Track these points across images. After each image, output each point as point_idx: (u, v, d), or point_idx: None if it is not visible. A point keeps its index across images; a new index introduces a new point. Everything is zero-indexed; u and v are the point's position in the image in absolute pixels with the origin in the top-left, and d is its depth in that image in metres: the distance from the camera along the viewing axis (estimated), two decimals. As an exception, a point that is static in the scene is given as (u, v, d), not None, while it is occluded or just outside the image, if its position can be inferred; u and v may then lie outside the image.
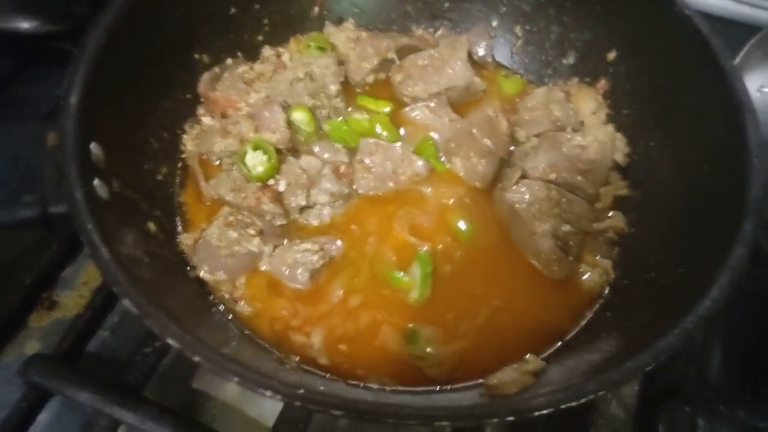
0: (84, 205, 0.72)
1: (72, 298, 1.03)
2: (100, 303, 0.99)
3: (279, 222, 0.92)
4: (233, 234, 0.87)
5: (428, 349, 0.85)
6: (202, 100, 1.02)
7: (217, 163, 0.98)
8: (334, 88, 1.02)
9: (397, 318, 0.88)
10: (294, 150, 0.99)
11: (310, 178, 0.93)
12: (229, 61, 1.04)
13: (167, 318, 0.66)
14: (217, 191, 0.93)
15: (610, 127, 1.01)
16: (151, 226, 0.87)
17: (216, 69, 1.02)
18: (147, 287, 0.71)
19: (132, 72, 0.90)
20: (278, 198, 0.92)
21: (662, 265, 0.85)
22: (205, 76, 1.01)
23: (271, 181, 0.93)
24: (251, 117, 0.97)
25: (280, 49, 1.08)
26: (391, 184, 0.98)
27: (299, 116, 0.99)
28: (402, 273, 0.91)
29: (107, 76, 0.84)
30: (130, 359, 0.91)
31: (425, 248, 0.92)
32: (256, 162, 0.93)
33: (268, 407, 0.93)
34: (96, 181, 0.78)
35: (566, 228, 0.92)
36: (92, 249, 0.70)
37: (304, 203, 0.92)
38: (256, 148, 0.93)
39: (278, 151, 0.96)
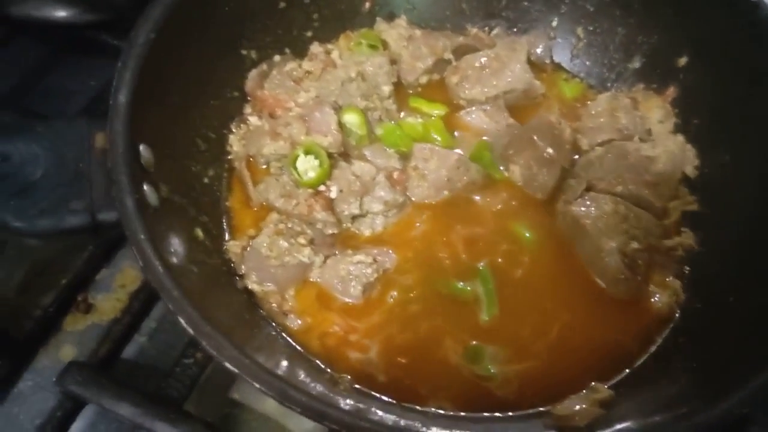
0: (135, 213, 0.67)
1: (109, 301, 0.99)
2: (138, 308, 0.95)
3: (330, 231, 0.87)
4: (284, 243, 0.82)
5: (492, 369, 0.80)
6: (249, 98, 0.97)
7: (265, 166, 0.93)
8: (386, 89, 0.97)
9: (461, 331, 0.83)
10: (345, 154, 0.93)
11: (364, 185, 0.88)
12: (277, 57, 0.99)
13: (224, 339, 0.62)
14: (266, 197, 0.88)
15: (680, 137, 0.95)
16: (199, 232, 0.83)
17: (264, 66, 0.97)
18: (198, 301, 0.67)
19: (180, 69, 0.86)
20: (330, 205, 0.87)
21: (740, 290, 0.80)
22: (253, 74, 0.96)
23: (322, 188, 0.89)
24: (302, 118, 0.92)
25: (329, 46, 1.03)
26: (446, 193, 0.93)
27: (351, 119, 0.94)
28: (462, 283, 0.86)
29: (155, 73, 0.79)
30: (171, 370, 0.88)
31: (484, 263, 0.87)
32: (308, 167, 0.88)
33: (309, 421, 0.89)
34: (146, 187, 0.73)
35: (634, 245, 0.86)
36: (145, 261, 0.65)
37: (357, 212, 0.87)
38: (307, 152, 0.88)
39: (329, 156, 0.91)
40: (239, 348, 0.62)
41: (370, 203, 0.89)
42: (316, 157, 0.89)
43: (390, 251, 0.88)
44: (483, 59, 1.01)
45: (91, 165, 0.70)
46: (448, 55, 1.02)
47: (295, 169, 0.88)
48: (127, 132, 0.72)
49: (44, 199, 0.67)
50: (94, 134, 0.73)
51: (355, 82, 0.95)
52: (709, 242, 0.90)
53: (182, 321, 0.62)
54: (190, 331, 0.62)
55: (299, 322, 0.83)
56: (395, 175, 0.92)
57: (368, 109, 0.96)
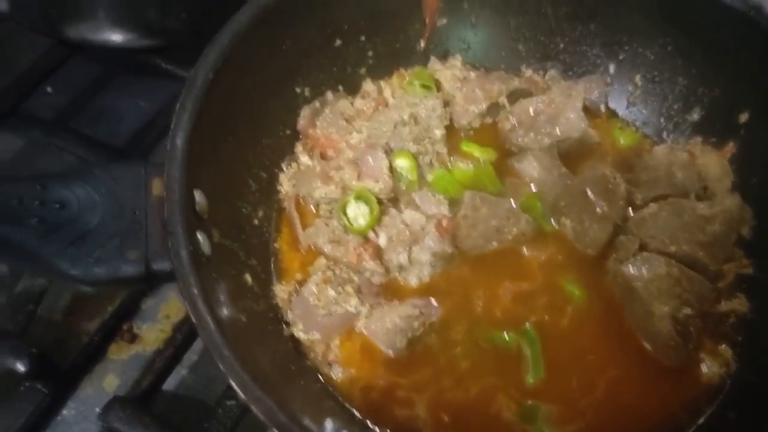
0: (190, 266, 0.67)
1: (153, 331, 1.00)
2: (181, 339, 0.95)
3: (378, 280, 0.86)
4: (331, 292, 0.82)
5: (545, 430, 0.79)
6: (300, 137, 0.96)
7: (314, 208, 0.93)
8: (438, 132, 0.96)
9: (511, 388, 0.82)
10: (394, 199, 0.93)
11: (413, 234, 0.87)
12: (329, 95, 0.98)
13: (275, 403, 0.62)
14: (315, 241, 0.88)
15: (737, 197, 0.93)
16: (248, 278, 0.83)
17: (316, 104, 0.97)
18: (246, 353, 0.67)
19: (235, 108, 0.86)
20: (379, 254, 0.87)
21: (798, 366, 0.77)
22: (305, 111, 0.96)
23: (371, 235, 0.88)
24: (354, 162, 0.91)
25: (382, 83, 1.02)
26: (495, 243, 0.91)
27: (403, 163, 0.93)
28: (508, 338, 0.86)
29: (212, 114, 0.79)
30: (213, 410, 0.88)
31: (530, 322, 0.86)
32: (358, 214, 0.88)
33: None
34: (199, 235, 0.73)
35: (686, 311, 0.84)
36: (197, 317, 0.65)
37: (405, 262, 0.87)
38: (358, 198, 0.88)
39: (379, 201, 0.90)
40: (289, 414, 0.61)
41: (419, 253, 0.88)
42: (366, 204, 0.88)
43: (435, 303, 0.87)
44: (538, 105, 0.99)
45: (147, 212, 0.70)
46: (503, 100, 1.00)
47: (345, 215, 0.88)
48: (184, 178, 0.72)
49: (100, 247, 0.68)
50: (151, 180, 0.73)
51: (408, 126, 0.94)
52: (764, 310, 0.87)
53: (234, 384, 0.62)
54: (241, 394, 0.62)
55: (342, 373, 0.82)
56: (444, 223, 0.91)
57: (419, 153, 0.95)
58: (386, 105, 0.99)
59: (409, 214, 0.89)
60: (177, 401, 0.95)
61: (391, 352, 0.84)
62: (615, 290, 0.89)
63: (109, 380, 0.95)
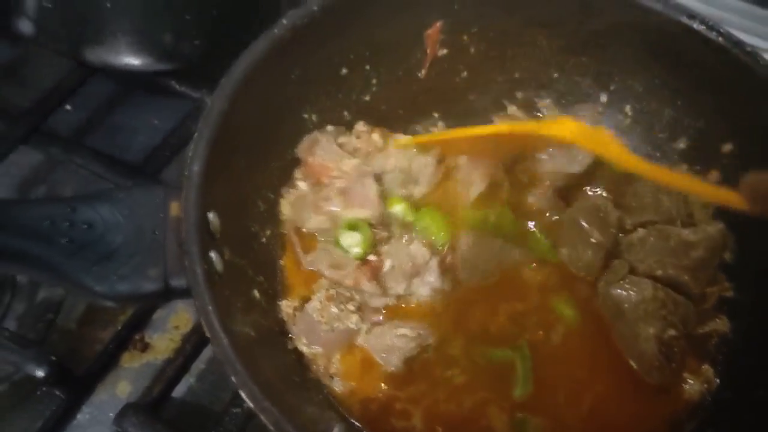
0: (204, 284, 0.73)
1: (163, 341, 1.05)
2: (190, 349, 1.00)
3: (375, 303, 0.92)
4: (334, 310, 0.87)
5: None
6: (300, 163, 1.02)
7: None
8: (424, 189, 1.02)
9: (503, 400, 0.88)
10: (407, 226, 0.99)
11: (416, 266, 0.92)
12: (330, 128, 1.04)
13: (282, 415, 0.67)
14: (317, 267, 0.93)
15: (721, 224, 0.98)
16: (256, 293, 0.88)
17: (317, 134, 1.02)
18: (255, 366, 0.73)
19: (247, 134, 0.91)
20: (377, 276, 0.92)
21: (771, 385, 0.83)
22: (306, 140, 1.02)
23: (373, 257, 0.93)
24: (343, 193, 0.97)
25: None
26: (495, 276, 0.97)
27: (398, 209, 0.99)
28: (502, 353, 0.91)
29: (226, 141, 0.84)
30: (220, 417, 0.93)
31: (525, 339, 0.91)
32: (352, 243, 0.93)
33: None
34: (212, 254, 0.78)
35: (671, 332, 0.90)
36: (213, 334, 0.71)
37: (402, 292, 0.92)
38: (348, 228, 0.93)
39: (371, 225, 0.97)
40: (295, 424, 0.66)
41: (418, 286, 0.93)
42: (358, 231, 0.94)
43: (430, 330, 0.92)
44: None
45: (165, 233, 0.76)
46: (501, 177, 1.04)
47: (341, 246, 0.93)
48: (200, 202, 0.77)
49: (123, 265, 0.73)
50: (170, 203, 0.78)
51: (401, 174, 1.00)
52: (743, 331, 0.93)
53: (244, 395, 0.67)
54: (251, 404, 0.67)
55: (343, 385, 0.88)
56: (448, 259, 0.96)
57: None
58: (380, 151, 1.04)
59: (416, 247, 0.94)
60: (185, 408, 1.00)
61: (388, 368, 0.89)
62: (604, 312, 0.94)
63: (121, 387, 1.01)
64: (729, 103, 0.99)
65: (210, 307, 0.71)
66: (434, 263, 0.94)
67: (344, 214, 0.95)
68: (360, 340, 0.89)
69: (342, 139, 1.03)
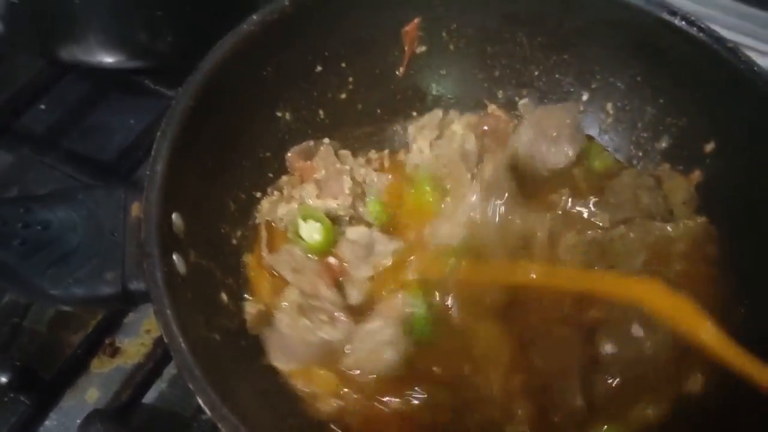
0: (164, 287, 0.70)
1: (134, 345, 1.03)
2: (161, 353, 0.98)
3: (337, 312, 0.89)
4: (305, 322, 0.85)
5: None
6: (289, 170, 1.01)
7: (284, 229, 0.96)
8: None
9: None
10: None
11: (365, 246, 0.91)
12: (326, 140, 1.03)
13: (241, 423, 0.65)
14: (278, 270, 0.91)
15: (703, 218, 0.96)
16: (223, 296, 0.86)
17: (311, 143, 1.02)
18: (220, 376, 0.70)
19: (215, 133, 0.89)
20: (337, 281, 0.90)
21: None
22: (296, 149, 1.01)
23: (334, 260, 0.91)
24: (317, 181, 0.95)
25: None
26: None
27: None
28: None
29: (192, 140, 0.82)
30: (189, 423, 0.91)
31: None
32: (312, 231, 0.91)
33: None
34: (175, 256, 0.76)
35: None
36: (170, 338, 0.68)
37: (370, 273, 0.90)
38: (306, 217, 0.92)
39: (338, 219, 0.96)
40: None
41: (379, 259, 0.91)
42: (317, 221, 0.92)
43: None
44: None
45: (125, 234, 0.73)
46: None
47: (300, 237, 0.92)
48: (162, 203, 0.75)
49: (80, 268, 0.71)
50: (130, 204, 0.76)
51: None
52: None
53: (201, 402, 0.65)
54: (208, 412, 0.64)
55: (329, 406, 0.84)
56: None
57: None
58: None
59: (352, 231, 0.94)
60: (156, 414, 0.97)
61: (383, 368, 0.86)
62: None
63: (90, 393, 0.98)
64: (711, 101, 0.97)
65: (168, 311, 0.69)
66: (376, 233, 0.94)
67: (314, 204, 0.94)
68: (348, 362, 0.86)
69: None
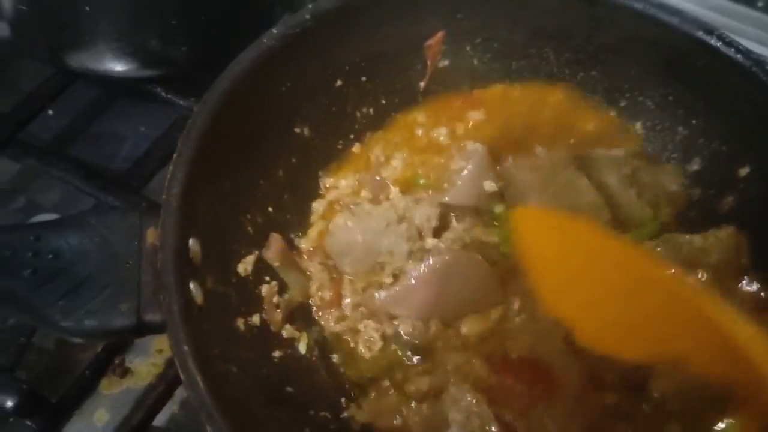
0: (181, 320, 0.67)
1: (145, 366, 1.00)
2: (173, 375, 0.95)
3: None
4: None
5: None
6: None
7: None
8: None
9: None
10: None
11: None
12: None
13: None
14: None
15: (730, 227, 0.92)
16: (240, 324, 0.82)
17: None
18: (237, 410, 0.67)
19: (233, 152, 0.86)
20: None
21: None
22: None
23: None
24: None
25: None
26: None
27: None
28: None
29: (209, 160, 0.79)
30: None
31: None
32: None
33: None
34: (192, 285, 0.73)
35: None
36: (186, 375, 0.65)
37: None
38: None
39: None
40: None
41: None
42: None
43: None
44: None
45: (140, 262, 0.70)
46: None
47: None
48: (179, 228, 0.72)
49: (93, 299, 0.67)
50: (146, 229, 0.72)
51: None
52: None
53: (220, 447, 0.62)
54: (227, 456, 0.61)
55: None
56: None
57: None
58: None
59: None
60: (167, 438, 0.94)
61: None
62: None
63: (99, 415, 0.95)
64: (748, 124, 0.93)
65: (185, 347, 0.66)
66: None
67: None
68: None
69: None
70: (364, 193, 0.97)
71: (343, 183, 1.00)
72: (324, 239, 0.95)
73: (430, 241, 0.92)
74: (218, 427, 0.63)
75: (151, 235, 0.74)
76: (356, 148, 1.02)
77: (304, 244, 0.96)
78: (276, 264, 0.90)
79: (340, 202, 0.98)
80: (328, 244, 0.93)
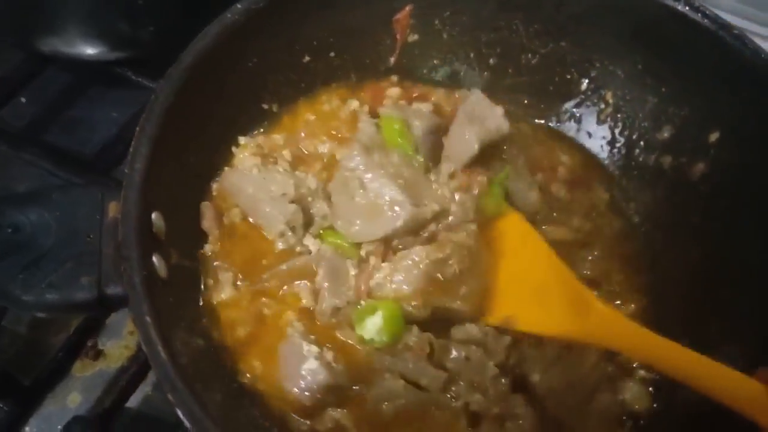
0: (143, 292, 0.66)
1: (117, 348, 1.00)
2: (145, 357, 0.94)
3: None
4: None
5: None
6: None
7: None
8: None
9: None
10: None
11: None
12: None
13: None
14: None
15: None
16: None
17: None
18: (201, 384, 0.67)
19: (199, 128, 0.85)
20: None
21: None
22: None
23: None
24: None
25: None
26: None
27: None
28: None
29: (174, 135, 0.79)
30: (175, 429, 0.87)
31: None
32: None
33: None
34: (155, 258, 0.72)
35: None
36: (149, 346, 0.65)
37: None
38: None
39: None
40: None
41: None
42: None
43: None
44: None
45: (101, 236, 0.69)
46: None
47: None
48: (141, 202, 0.71)
49: (53, 272, 0.67)
50: (108, 203, 0.72)
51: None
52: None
53: (182, 415, 0.61)
54: (189, 425, 0.61)
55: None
56: None
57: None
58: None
59: None
60: (140, 419, 0.94)
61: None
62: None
63: (72, 398, 0.95)
64: (716, 89, 0.93)
65: (148, 318, 0.65)
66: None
67: None
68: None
69: None
70: (286, 153, 0.95)
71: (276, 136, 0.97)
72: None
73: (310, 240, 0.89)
74: (181, 397, 0.63)
75: (113, 209, 0.74)
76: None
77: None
78: (215, 232, 0.88)
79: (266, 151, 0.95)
80: (225, 176, 0.90)
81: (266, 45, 0.92)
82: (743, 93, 0.89)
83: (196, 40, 0.83)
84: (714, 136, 0.94)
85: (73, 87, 1.25)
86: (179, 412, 0.62)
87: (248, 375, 0.81)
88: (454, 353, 0.82)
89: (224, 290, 0.83)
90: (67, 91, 1.25)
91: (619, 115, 1.05)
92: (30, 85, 1.21)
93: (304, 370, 0.78)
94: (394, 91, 1.03)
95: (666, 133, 1.01)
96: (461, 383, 0.81)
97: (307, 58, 0.98)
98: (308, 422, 0.78)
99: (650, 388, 0.87)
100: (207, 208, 0.87)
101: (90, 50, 1.10)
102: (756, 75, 0.86)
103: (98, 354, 0.97)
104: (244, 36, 0.88)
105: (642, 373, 0.88)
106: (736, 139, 0.92)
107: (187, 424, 0.62)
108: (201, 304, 0.82)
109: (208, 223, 0.86)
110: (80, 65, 1.19)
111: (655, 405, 0.86)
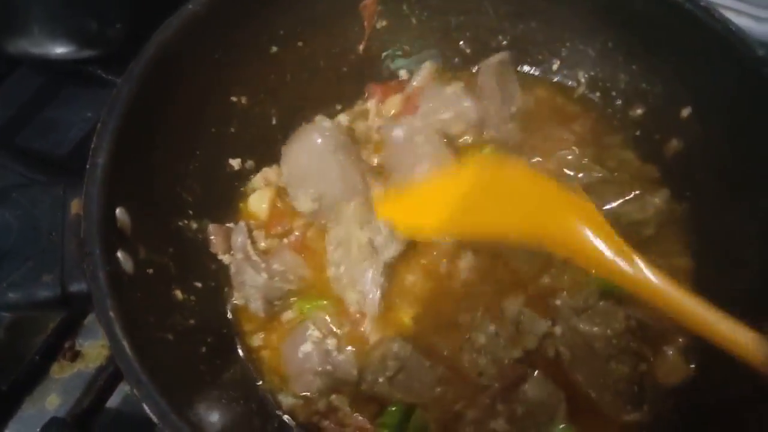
0: (107, 288, 0.66)
1: (95, 348, 0.99)
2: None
3: None
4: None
5: None
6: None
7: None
8: None
9: None
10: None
11: None
12: None
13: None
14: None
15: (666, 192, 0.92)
16: (178, 293, 0.81)
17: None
18: (172, 377, 0.66)
19: (165, 121, 0.84)
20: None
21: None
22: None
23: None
24: None
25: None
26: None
27: None
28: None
29: (138, 130, 0.78)
30: (155, 428, 0.86)
31: None
32: None
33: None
34: (120, 254, 0.71)
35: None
36: (112, 341, 0.64)
37: None
38: None
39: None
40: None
41: None
42: None
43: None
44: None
45: (63, 233, 0.69)
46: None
47: None
48: (104, 197, 0.70)
49: (15, 271, 0.66)
50: (70, 200, 0.71)
51: None
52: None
53: (148, 410, 0.61)
54: (155, 420, 0.60)
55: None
56: None
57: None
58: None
59: None
60: (120, 419, 0.94)
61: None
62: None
63: (51, 400, 0.94)
64: (686, 65, 0.92)
65: (111, 313, 0.65)
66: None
67: None
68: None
69: None
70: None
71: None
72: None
73: None
74: (146, 392, 0.62)
75: (76, 207, 0.73)
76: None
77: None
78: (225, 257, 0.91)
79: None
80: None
81: (231, 36, 0.91)
82: (713, 67, 0.88)
83: (158, 33, 0.82)
84: (686, 112, 0.94)
85: (44, 89, 1.24)
86: (146, 408, 0.61)
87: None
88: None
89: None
90: (38, 93, 1.24)
91: (592, 95, 1.04)
92: (2, 90, 1.19)
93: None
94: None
95: (639, 110, 1.01)
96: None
97: (274, 49, 0.97)
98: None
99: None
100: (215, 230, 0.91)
101: (58, 49, 1.09)
102: (725, 48, 0.85)
103: (76, 355, 0.97)
104: (206, 27, 0.86)
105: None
106: (707, 113, 0.92)
107: (153, 418, 0.61)
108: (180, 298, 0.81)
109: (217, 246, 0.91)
110: (51, 66, 1.18)
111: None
